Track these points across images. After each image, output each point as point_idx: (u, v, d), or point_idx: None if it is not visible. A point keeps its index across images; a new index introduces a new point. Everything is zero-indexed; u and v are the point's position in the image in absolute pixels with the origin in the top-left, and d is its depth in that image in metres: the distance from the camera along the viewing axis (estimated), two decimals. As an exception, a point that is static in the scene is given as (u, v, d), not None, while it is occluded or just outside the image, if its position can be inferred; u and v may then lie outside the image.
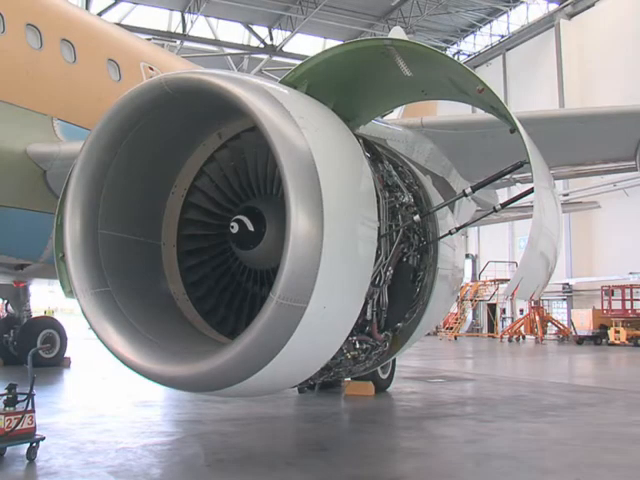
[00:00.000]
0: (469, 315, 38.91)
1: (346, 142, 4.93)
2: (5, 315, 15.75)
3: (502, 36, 39.26)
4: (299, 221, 4.08)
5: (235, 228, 5.02)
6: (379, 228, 4.93)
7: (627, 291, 29.33)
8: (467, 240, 40.17)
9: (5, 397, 5.70)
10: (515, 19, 38.17)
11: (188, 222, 5.69)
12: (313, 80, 5.28)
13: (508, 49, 39.10)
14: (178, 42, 36.73)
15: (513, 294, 4.46)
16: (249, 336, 4.16)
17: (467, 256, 37.45)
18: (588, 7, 34.36)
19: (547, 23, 36.21)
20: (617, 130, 9.56)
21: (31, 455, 5.60)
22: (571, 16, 35.29)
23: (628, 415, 8.88)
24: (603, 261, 32.12)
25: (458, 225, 6.06)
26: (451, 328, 35.09)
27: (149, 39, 30.44)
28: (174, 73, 4.81)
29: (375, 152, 5.87)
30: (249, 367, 4.26)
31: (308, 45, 38.66)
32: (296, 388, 8.95)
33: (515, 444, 6.63)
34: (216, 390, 4.55)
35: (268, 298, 4.13)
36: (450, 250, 6.55)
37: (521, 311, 34.50)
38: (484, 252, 40.12)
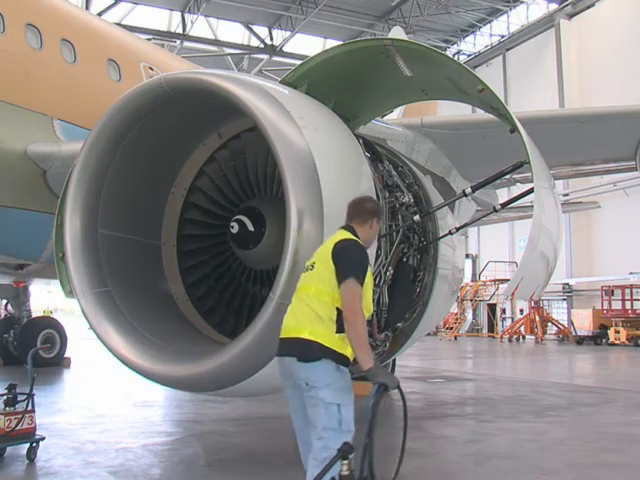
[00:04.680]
0: (469, 315, 38.87)
1: (346, 142, 4.93)
2: (5, 315, 15.75)
3: (502, 36, 39.20)
4: (299, 221, 4.08)
5: (235, 228, 5.02)
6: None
7: (627, 291, 29.28)
8: (467, 240, 40.14)
9: (5, 397, 5.70)
10: (515, 19, 38.11)
11: (188, 222, 5.69)
12: (313, 80, 5.28)
13: (508, 49, 39.05)
14: (178, 42, 36.68)
15: (513, 294, 4.46)
16: (249, 336, 4.16)
17: (467, 256, 37.39)
18: (588, 7, 34.31)
19: (547, 23, 36.15)
20: (617, 130, 9.56)
21: (31, 455, 5.60)
22: (571, 16, 35.26)
23: (628, 415, 8.88)
24: (603, 261, 32.09)
25: (458, 225, 6.06)
26: (451, 328, 35.07)
27: (149, 39, 30.41)
28: (174, 73, 4.81)
29: (375, 152, 5.87)
30: (249, 367, 4.26)
31: (308, 45, 38.59)
32: (296, 388, 8.93)
33: (515, 444, 6.64)
34: (216, 390, 4.55)
35: (268, 298, 4.13)
36: (450, 250, 6.54)
37: (521, 311, 34.46)
38: (484, 252, 40.09)
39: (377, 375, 3.27)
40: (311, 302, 3.45)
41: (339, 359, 3.42)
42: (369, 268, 3.51)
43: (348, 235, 3.58)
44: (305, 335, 3.41)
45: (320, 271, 3.47)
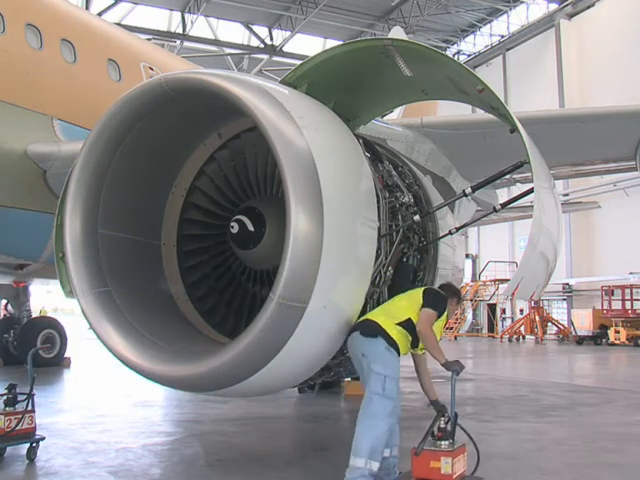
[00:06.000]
0: (469, 315, 38.88)
1: (346, 142, 4.93)
2: (5, 315, 15.75)
3: (502, 36, 39.22)
4: (299, 221, 4.08)
5: (235, 228, 5.01)
6: (379, 228, 4.93)
7: (627, 291, 29.27)
8: (467, 240, 40.14)
9: (5, 397, 5.70)
10: (515, 19, 38.12)
11: (188, 222, 5.68)
12: (313, 80, 5.28)
13: (508, 49, 39.06)
14: (178, 42, 36.67)
15: (513, 294, 4.46)
16: (249, 336, 4.16)
17: (467, 256, 37.38)
18: (588, 7, 34.32)
19: (547, 23, 36.16)
20: (617, 130, 9.57)
21: (31, 455, 5.60)
22: (571, 16, 35.27)
23: (628, 415, 8.88)
24: (603, 261, 32.10)
25: (458, 225, 6.06)
26: (451, 328, 35.03)
27: (149, 39, 30.40)
28: (174, 73, 4.80)
29: (375, 152, 5.87)
30: (249, 367, 4.26)
31: (308, 45, 38.58)
32: (296, 388, 8.94)
33: (515, 444, 6.64)
34: (216, 390, 4.55)
35: (268, 298, 4.12)
36: (450, 250, 6.54)
37: (521, 311, 34.46)
38: (484, 252, 40.10)
39: (450, 365, 4.56)
40: (395, 307, 4.81)
41: (389, 341, 4.57)
42: (442, 321, 4.96)
43: (443, 293, 5.10)
44: (378, 320, 4.63)
45: (410, 296, 4.93)
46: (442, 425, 4.22)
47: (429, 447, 4.16)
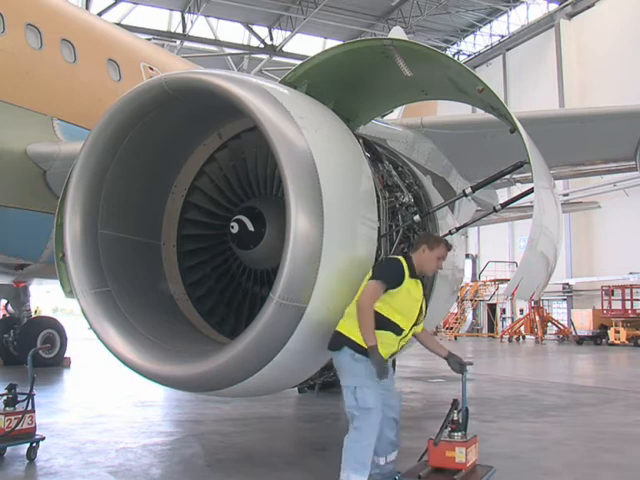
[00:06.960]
0: (469, 315, 38.88)
1: (346, 142, 4.93)
2: (5, 315, 15.74)
3: (502, 36, 39.22)
4: (299, 221, 4.08)
5: (235, 228, 5.02)
6: (379, 228, 4.93)
7: (627, 291, 29.28)
8: (467, 240, 40.13)
9: (5, 397, 5.70)
10: (515, 19, 38.13)
11: (188, 222, 5.69)
12: (313, 80, 5.28)
13: (508, 49, 39.07)
14: (178, 42, 36.67)
15: (513, 294, 4.46)
16: (249, 336, 4.16)
17: (467, 256, 37.37)
18: (588, 7, 34.33)
19: (547, 23, 36.18)
20: (617, 130, 9.56)
21: (31, 455, 5.60)
22: (571, 16, 35.27)
23: (628, 415, 8.88)
24: (603, 261, 32.10)
25: (458, 225, 6.05)
26: (451, 328, 35.07)
27: (149, 39, 30.40)
28: (174, 73, 4.80)
29: (375, 152, 5.86)
30: (249, 367, 4.26)
31: (308, 45, 38.59)
32: (296, 388, 8.94)
33: (515, 444, 6.64)
34: (216, 390, 4.55)
35: (268, 298, 4.12)
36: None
37: (521, 311, 34.48)
38: (484, 252, 40.10)
39: (374, 355, 4.16)
40: (353, 304, 4.31)
41: (357, 348, 4.21)
42: (416, 283, 4.47)
43: (396, 257, 4.59)
44: (342, 330, 4.28)
45: (365, 282, 4.35)
46: (455, 418, 4.48)
47: (444, 438, 4.44)
